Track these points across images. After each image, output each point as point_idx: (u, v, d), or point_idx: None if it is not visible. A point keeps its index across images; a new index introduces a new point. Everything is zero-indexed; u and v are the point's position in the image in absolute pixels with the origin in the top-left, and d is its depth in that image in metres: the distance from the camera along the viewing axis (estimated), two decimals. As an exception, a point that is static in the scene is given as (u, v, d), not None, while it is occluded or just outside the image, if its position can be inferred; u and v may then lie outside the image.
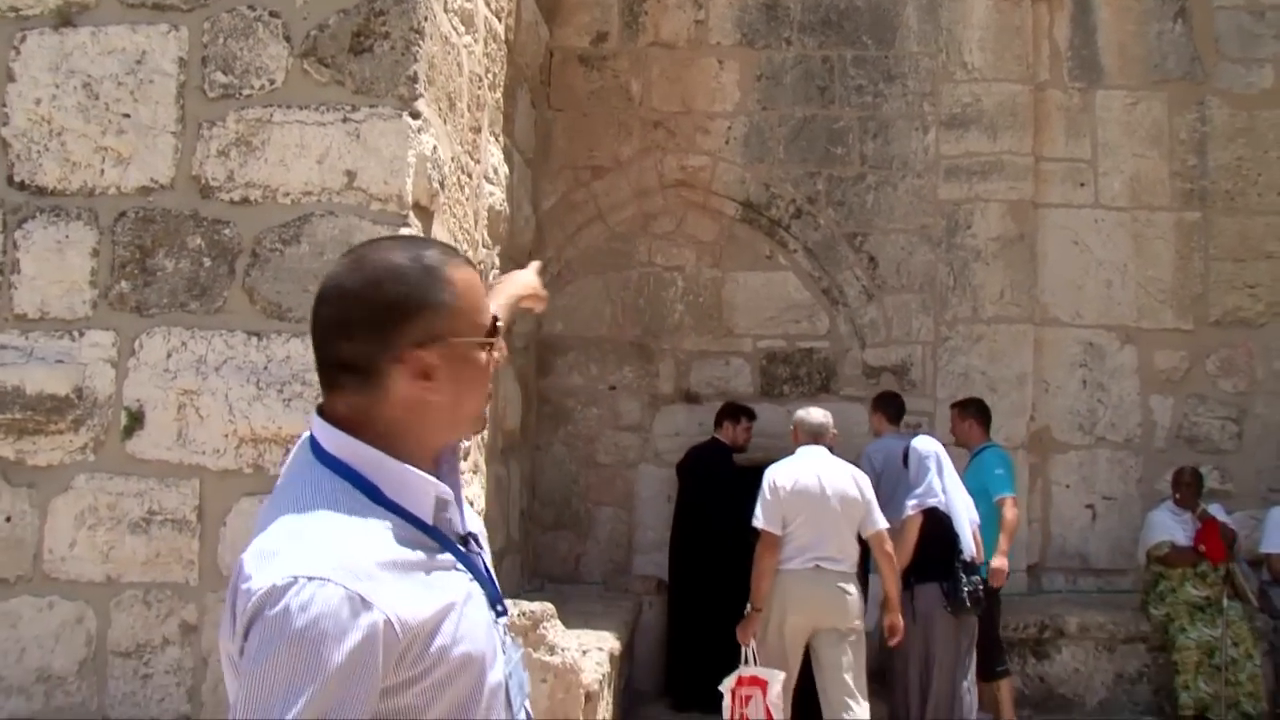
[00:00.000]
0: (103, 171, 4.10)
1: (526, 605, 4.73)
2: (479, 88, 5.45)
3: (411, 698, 1.47)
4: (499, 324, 1.65)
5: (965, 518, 6.35)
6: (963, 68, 8.32)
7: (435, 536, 1.57)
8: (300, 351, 3.98)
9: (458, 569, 1.59)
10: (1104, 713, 7.36)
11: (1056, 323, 8.32)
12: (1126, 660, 7.45)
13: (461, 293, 1.59)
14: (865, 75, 8.36)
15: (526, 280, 2.49)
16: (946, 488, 6.34)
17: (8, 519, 3.98)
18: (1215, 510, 7.46)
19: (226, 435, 4.00)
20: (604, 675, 5.43)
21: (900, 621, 5.96)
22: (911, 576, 6.19)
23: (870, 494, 6.00)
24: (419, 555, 1.52)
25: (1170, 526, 7.41)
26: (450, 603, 1.52)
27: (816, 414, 6.29)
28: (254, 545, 1.47)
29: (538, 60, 7.75)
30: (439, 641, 1.49)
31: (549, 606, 4.77)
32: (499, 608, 1.68)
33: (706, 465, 7.26)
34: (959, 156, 8.28)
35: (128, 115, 4.10)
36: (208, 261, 4.06)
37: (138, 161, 4.10)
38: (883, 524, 5.94)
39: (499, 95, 6.15)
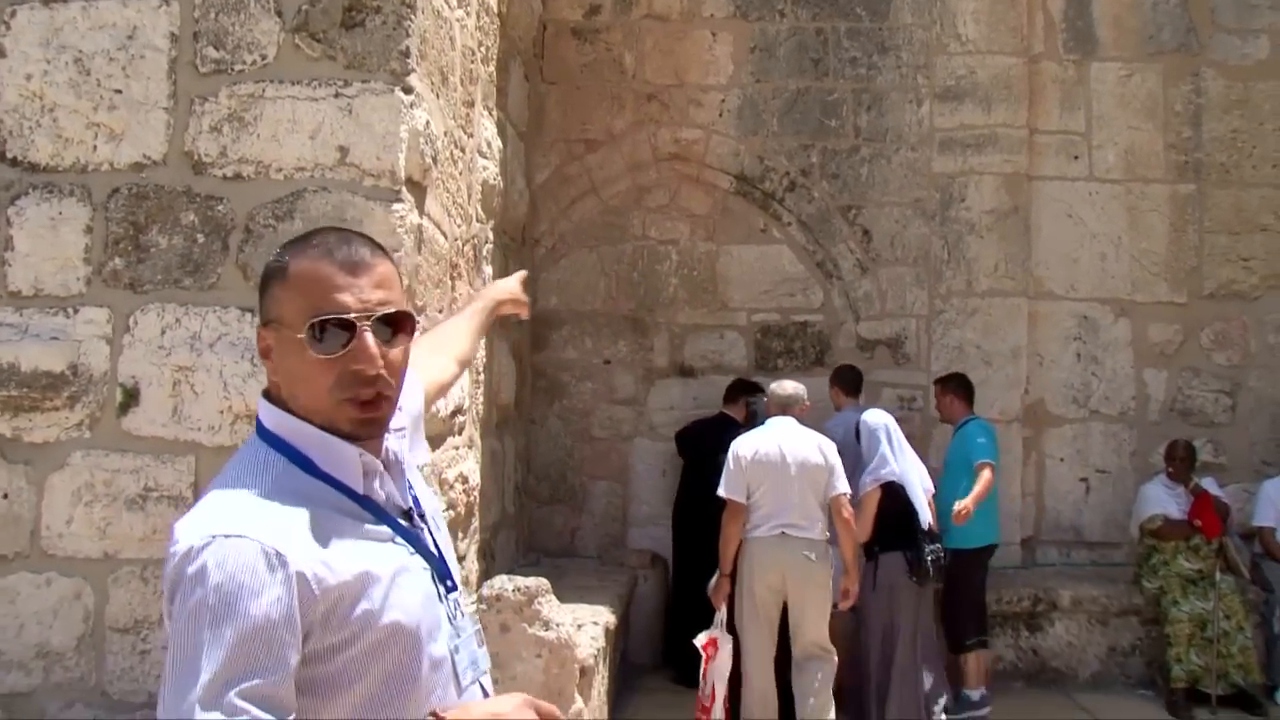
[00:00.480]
0: (95, 148, 4.08)
1: (521, 580, 4.75)
2: (471, 61, 5.42)
3: (340, 664, 1.50)
4: (359, 327, 1.59)
5: (919, 487, 6.48)
6: (957, 40, 8.30)
7: (368, 507, 1.62)
8: (295, 328, 3.98)
9: (396, 542, 1.63)
10: (1096, 685, 7.41)
11: (1051, 296, 8.33)
12: (1119, 633, 7.50)
13: (294, 282, 1.62)
14: (859, 47, 8.33)
15: (507, 287, 2.67)
16: (898, 458, 6.45)
17: (4, 496, 3.98)
18: (1208, 484, 7.50)
19: (221, 411, 4.00)
20: (599, 650, 5.46)
21: (855, 588, 6.16)
22: (875, 547, 6.32)
23: (835, 460, 6.17)
24: (346, 522, 1.57)
25: (1163, 500, 7.44)
26: (376, 570, 1.55)
27: (788, 385, 6.51)
28: (185, 516, 1.54)
29: (530, 33, 7.71)
30: (364, 606, 1.51)
31: (544, 582, 4.78)
32: (449, 582, 1.71)
33: (714, 437, 7.30)
34: (953, 129, 8.27)
35: (119, 91, 4.08)
36: (201, 238, 4.05)
37: (130, 138, 4.08)
38: (843, 489, 6.11)
39: (492, 69, 6.12)
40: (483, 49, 5.76)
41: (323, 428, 1.62)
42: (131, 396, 3.99)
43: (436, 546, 1.73)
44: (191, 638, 1.40)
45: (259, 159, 4.06)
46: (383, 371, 1.61)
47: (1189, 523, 7.27)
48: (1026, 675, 7.43)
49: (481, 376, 5.94)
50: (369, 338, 1.59)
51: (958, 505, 6.56)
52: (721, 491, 6.07)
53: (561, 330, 8.34)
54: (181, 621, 1.42)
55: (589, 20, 8.33)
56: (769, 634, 6.09)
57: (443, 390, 2.36)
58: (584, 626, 5.44)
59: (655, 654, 7.66)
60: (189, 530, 1.48)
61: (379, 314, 1.61)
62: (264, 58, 4.09)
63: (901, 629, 6.32)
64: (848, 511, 6.11)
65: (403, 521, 1.67)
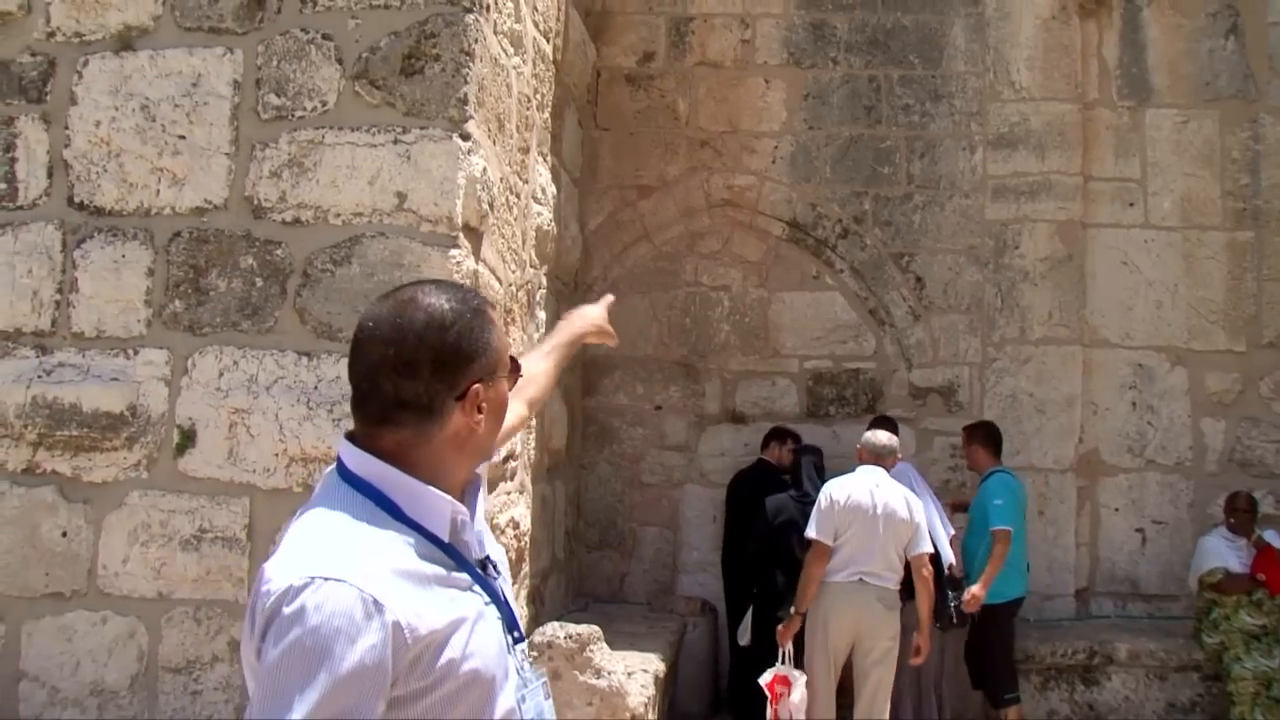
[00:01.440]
0: (158, 192, 4.16)
1: (573, 628, 4.73)
2: (527, 108, 5.48)
3: (420, 710, 1.51)
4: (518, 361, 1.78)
5: (940, 531, 6.56)
6: (1010, 87, 8.28)
7: (452, 555, 1.63)
8: (350, 371, 4.01)
9: (474, 590, 1.64)
10: (1154, 741, 7.25)
11: (1106, 344, 8.23)
12: (1179, 689, 7.33)
13: (499, 334, 1.72)
14: (912, 94, 8.33)
15: (591, 316, 2.63)
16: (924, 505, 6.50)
17: (64, 534, 4.03)
18: (1271, 536, 7.34)
19: (277, 454, 4.04)
20: (649, 698, 5.42)
21: (927, 644, 6.18)
22: (902, 592, 6.27)
23: (920, 518, 6.18)
24: (434, 569, 1.58)
25: (1224, 553, 7.29)
26: (461, 617, 1.56)
27: (882, 436, 6.50)
28: (275, 553, 1.55)
29: (585, 80, 7.78)
30: (448, 654, 1.53)
31: (595, 629, 4.76)
32: (515, 634, 1.73)
33: (757, 485, 7.25)
34: (1006, 176, 8.23)
35: (183, 137, 4.16)
36: (259, 281, 4.11)
37: (192, 182, 4.16)
38: (926, 548, 6.13)
39: (547, 115, 6.18)
40: (538, 96, 5.82)
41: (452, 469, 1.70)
42: (188, 438, 4.04)
43: (504, 595, 1.75)
44: (285, 678, 1.41)
45: (318, 204, 4.12)
46: None
47: (1251, 576, 7.12)
48: (1082, 730, 7.28)
49: (533, 421, 5.95)
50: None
51: (968, 594, 6.61)
52: (810, 533, 6.08)
53: (613, 375, 8.34)
54: (275, 660, 1.43)
55: (643, 67, 8.39)
56: (835, 676, 6.12)
57: (510, 435, 2.35)
58: (634, 674, 5.39)
59: (704, 702, 7.59)
60: (286, 569, 1.49)
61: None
62: (324, 104, 4.16)
63: (927, 673, 6.47)
64: (928, 570, 6.11)
65: (480, 572, 1.70)
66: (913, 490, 6.48)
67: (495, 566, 1.76)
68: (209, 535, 4.03)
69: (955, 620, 6.33)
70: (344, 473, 1.65)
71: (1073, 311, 8.14)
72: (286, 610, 1.44)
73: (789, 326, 8.34)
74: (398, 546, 1.56)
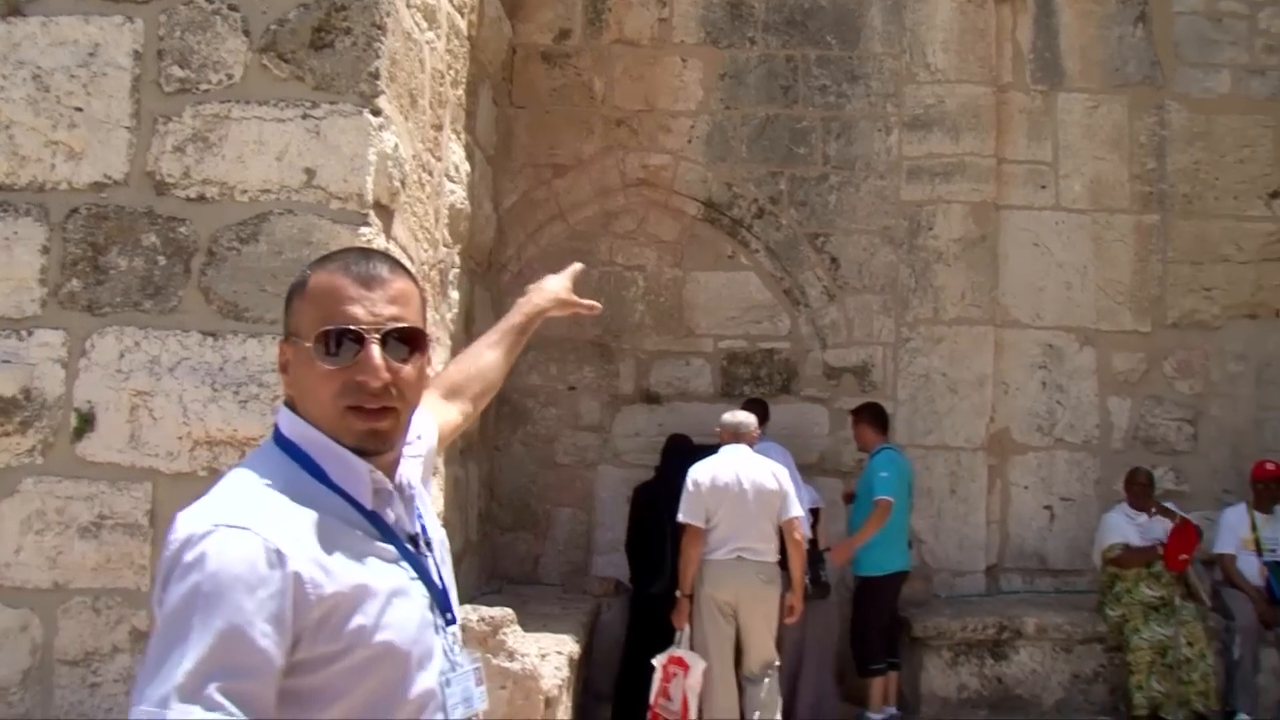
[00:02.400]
0: (54, 166, 4.00)
1: (486, 611, 4.67)
2: (441, 84, 5.37)
3: (326, 678, 1.48)
4: (367, 339, 1.59)
5: (805, 506, 6.74)
6: (926, 69, 8.33)
7: (376, 524, 1.61)
8: (257, 352, 3.90)
9: (401, 565, 1.61)
10: (1060, 713, 7.39)
11: (1017, 324, 8.35)
12: (1083, 661, 7.48)
13: (310, 295, 1.63)
14: (829, 75, 8.34)
15: (552, 290, 2.48)
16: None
17: (-48, 523, 3.87)
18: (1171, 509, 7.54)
19: (180, 438, 3.91)
20: (563, 680, 5.38)
21: (800, 604, 6.43)
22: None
23: (788, 485, 6.43)
24: (352, 534, 1.57)
25: (1123, 527, 7.48)
26: (378, 587, 1.54)
27: (739, 414, 6.76)
28: (189, 506, 1.53)
29: (500, 57, 7.66)
30: (359, 620, 1.50)
31: (509, 612, 4.71)
32: (448, 615, 1.69)
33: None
34: (921, 157, 8.28)
35: (80, 109, 4.00)
36: (162, 260, 3.97)
37: (90, 156, 4.00)
38: (795, 512, 6.37)
39: (461, 92, 6.07)
40: (452, 72, 5.70)
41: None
42: (87, 422, 3.89)
43: (440, 578, 1.71)
44: (180, 624, 1.39)
45: (224, 180, 3.99)
46: (390, 387, 1.60)
47: (1150, 549, 7.29)
48: (991, 703, 7.39)
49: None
50: (375, 350, 1.58)
51: (839, 544, 6.94)
52: (681, 517, 6.26)
53: (526, 355, 8.24)
54: (171, 606, 1.41)
55: (559, 45, 8.29)
56: (730, 651, 6.30)
57: (456, 431, 2.29)
58: (548, 656, 5.35)
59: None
60: (192, 518, 1.48)
61: (389, 328, 1.60)
62: (230, 77, 4.03)
63: (808, 640, 6.83)
64: (800, 534, 6.36)
65: (409, 546, 1.66)
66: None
67: (430, 545, 1.72)
68: (109, 522, 3.89)
69: (814, 590, 6.63)
70: (278, 438, 1.66)
71: (985, 292, 8.23)
72: (187, 557, 1.43)
73: (704, 306, 8.33)
74: (315, 507, 1.55)
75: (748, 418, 6.69)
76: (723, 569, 6.23)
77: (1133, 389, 8.40)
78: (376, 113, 4.04)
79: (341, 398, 1.58)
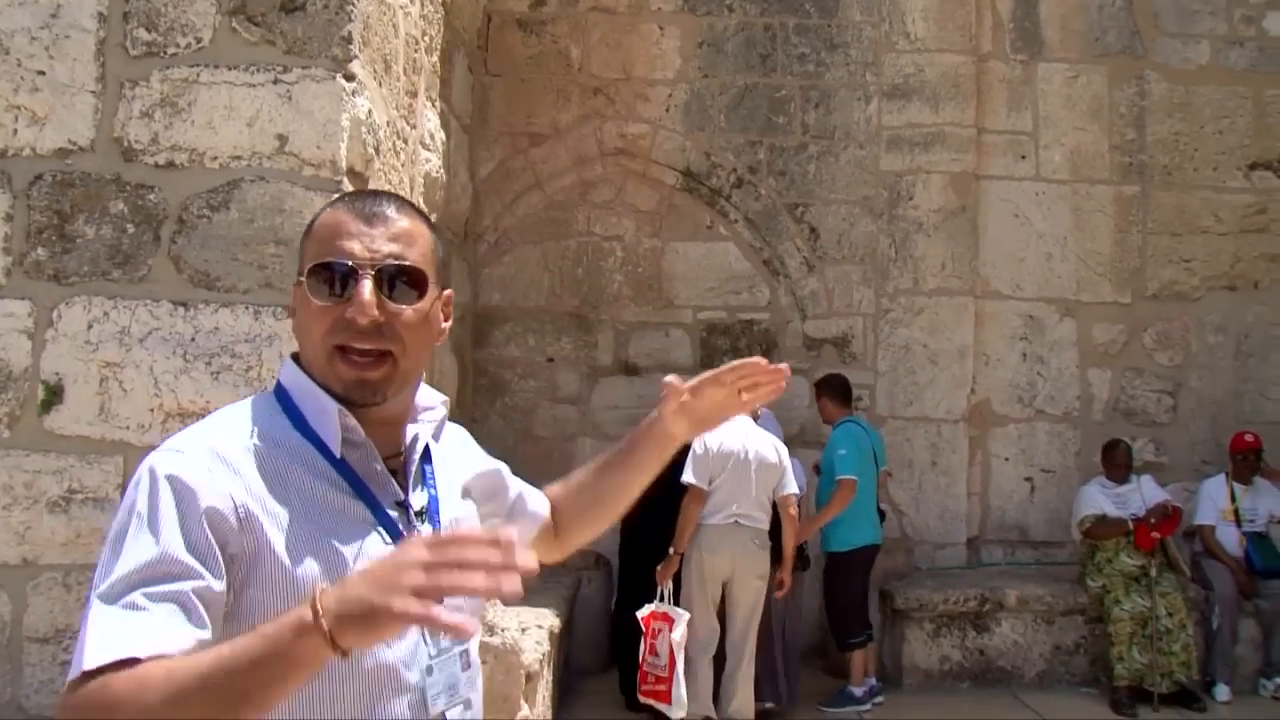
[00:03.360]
0: (16, 131, 3.88)
1: (465, 585, 4.59)
2: (415, 51, 5.26)
3: (254, 605, 1.40)
4: (360, 274, 1.49)
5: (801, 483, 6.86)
6: (905, 37, 8.26)
7: (346, 477, 1.52)
8: (229, 322, 3.81)
9: (377, 531, 1.51)
10: (1042, 684, 7.40)
11: (997, 295, 8.33)
12: (1064, 632, 7.50)
13: (314, 232, 1.57)
14: (808, 44, 8.26)
15: (675, 386, 1.92)
16: None
17: (-84, 499, 3.77)
18: (1146, 482, 7.54)
19: (152, 410, 3.82)
20: (544, 654, 5.34)
21: (790, 578, 6.61)
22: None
23: (787, 461, 6.58)
24: (314, 482, 1.49)
25: (1098, 499, 7.48)
26: (325, 537, 1.45)
27: None
28: None
29: (475, 24, 7.54)
30: (292, 562, 1.42)
31: (489, 586, 4.63)
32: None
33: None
34: (901, 127, 8.23)
35: (42, 73, 3.88)
36: (131, 228, 3.86)
37: (54, 122, 3.88)
38: (792, 489, 6.54)
39: (435, 59, 5.96)
40: (426, 38, 5.60)
41: (321, 387, 1.54)
42: (55, 394, 3.80)
43: None
44: (114, 542, 1.36)
45: (193, 146, 3.88)
46: (384, 329, 1.50)
47: (1121, 522, 7.28)
48: (973, 675, 7.40)
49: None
50: (366, 284, 1.48)
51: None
52: (686, 478, 6.32)
53: (504, 327, 8.19)
54: (111, 526, 1.39)
55: (535, 12, 8.18)
56: (713, 613, 6.42)
57: (560, 536, 2.04)
58: (528, 630, 5.31)
59: (599, 656, 7.53)
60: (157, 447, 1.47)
61: (385, 265, 1.51)
62: (199, 41, 3.91)
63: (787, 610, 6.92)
64: (794, 510, 6.53)
65: (392, 511, 1.55)
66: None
67: (431, 518, 1.60)
68: (79, 496, 3.80)
69: (797, 564, 6.75)
70: (276, 386, 1.61)
71: (965, 263, 8.20)
72: (132, 479, 1.42)
73: (683, 277, 8.26)
74: (280, 449, 1.49)
75: None
76: (719, 533, 6.35)
77: (1113, 360, 8.40)
78: (350, 78, 3.94)
79: (331, 336, 1.50)
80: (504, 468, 1.95)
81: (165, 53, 3.91)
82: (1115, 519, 7.33)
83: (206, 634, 1.31)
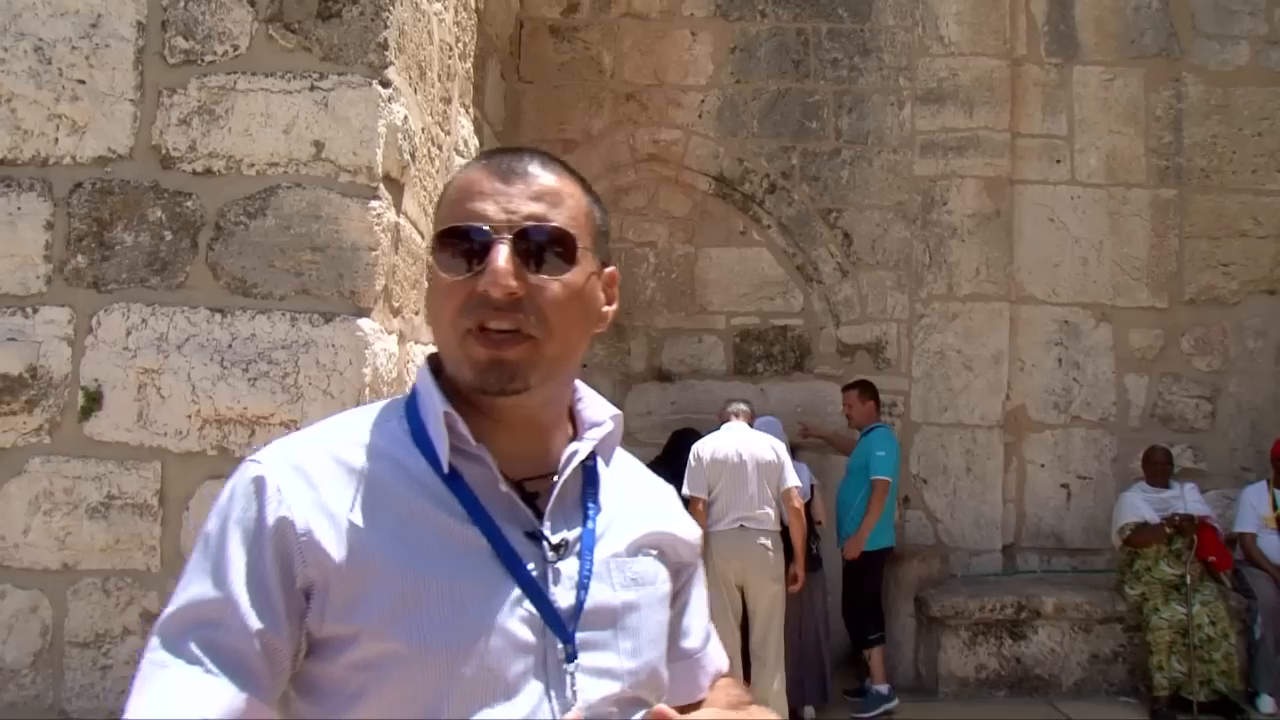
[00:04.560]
0: (57, 140, 3.91)
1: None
2: (449, 57, 5.28)
3: (341, 670, 1.19)
4: (495, 240, 1.23)
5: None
6: (939, 41, 8.22)
7: (460, 496, 1.24)
8: (266, 329, 3.82)
9: (497, 562, 1.23)
10: (1079, 693, 7.33)
11: (1032, 300, 8.26)
12: (1102, 640, 7.42)
13: (446, 196, 1.32)
14: (840, 49, 8.23)
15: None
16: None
17: (-42, 504, 3.80)
18: (1190, 491, 7.45)
19: (189, 416, 3.83)
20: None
21: (803, 572, 6.69)
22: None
23: (785, 457, 6.67)
24: (419, 503, 1.23)
25: (1139, 506, 7.41)
26: (420, 570, 1.19)
27: (737, 400, 7.12)
28: None
29: (508, 30, 7.56)
30: (376, 603, 1.18)
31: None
32: (569, 647, 1.24)
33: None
34: (935, 132, 8.18)
35: (83, 81, 3.91)
36: (169, 235, 3.89)
37: (94, 130, 3.91)
38: (793, 482, 6.59)
39: (469, 66, 5.98)
40: (460, 45, 5.61)
41: (454, 381, 1.29)
42: (94, 400, 3.82)
43: (581, 598, 1.27)
44: (188, 564, 1.22)
45: (230, 154, 3.90)
46: (523, 303, 1.23)
47: (1160, 528, 7.21)
48: (1009, 683, 7.33)
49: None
50: (501, 250, 1.22)
51: (850, 539, 7.07)
52: (685, 490, 6.42)
53: (537, 333, 8.17)
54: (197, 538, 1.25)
55: (567, 18, 8.19)
56: (735, 620, 6.49)
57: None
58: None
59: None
60: None
61: (525, 227, 1.24)
62: (236, 48, 3.93)
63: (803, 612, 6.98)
64: (798, 502, 6.59)
65: (511, 543, 1.25)
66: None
67: (580, 552, 1.29)
68: (118, 502, 3.82)
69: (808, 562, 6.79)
70: (412, 388, 1.38)
71: (1000, 268, 8.14)
72: (220, 493, 1.25)
73: (716, 283, 8.24)
74: (381, 457, 1.25)
75: (746, 403, 7.04)
76: (728, 539, 6.43)
77: (1150, 366, 8.31)
78: (385, 84, 3.95)
79: (463, 316, 1.23)
80: (701, 566, 1.55)
81: (203, 60, 3.93)
82: (1156, 526, 7.25)
83: (258, 694, 1.16)
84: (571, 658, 1.24)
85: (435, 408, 1.27)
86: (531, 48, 8.16)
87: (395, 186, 4.14)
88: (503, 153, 1.32)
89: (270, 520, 1.19)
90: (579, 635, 1.25)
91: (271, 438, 3.70)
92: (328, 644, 1.20)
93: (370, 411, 1.33)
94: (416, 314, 4.50)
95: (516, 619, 1.22)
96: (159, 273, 3.87)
